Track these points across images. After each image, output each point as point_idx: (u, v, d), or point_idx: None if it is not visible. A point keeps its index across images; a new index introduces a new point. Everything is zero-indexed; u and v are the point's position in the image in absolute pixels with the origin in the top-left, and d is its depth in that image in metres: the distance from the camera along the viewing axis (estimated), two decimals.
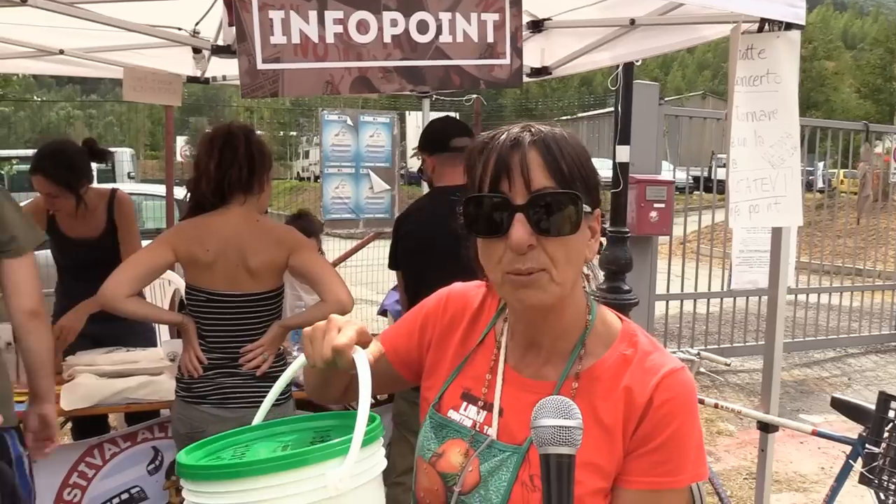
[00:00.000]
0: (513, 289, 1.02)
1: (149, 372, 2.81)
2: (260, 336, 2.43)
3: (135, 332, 3.20)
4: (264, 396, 2.51)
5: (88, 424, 3.05)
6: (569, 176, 1.00)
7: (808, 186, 10.30)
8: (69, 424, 3.29)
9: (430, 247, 2.62)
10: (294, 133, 32.88)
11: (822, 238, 8.60)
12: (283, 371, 2.52)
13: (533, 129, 1.02)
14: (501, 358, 1.15)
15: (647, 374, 1.04)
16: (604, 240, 1.13)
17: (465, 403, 1.15)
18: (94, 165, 3.24)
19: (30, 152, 3.09)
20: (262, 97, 1.98)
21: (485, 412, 1.12)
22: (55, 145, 3.06)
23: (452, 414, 1.15)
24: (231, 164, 2.39)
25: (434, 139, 2.87)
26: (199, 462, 0.88)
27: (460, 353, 1.20)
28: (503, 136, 1.02)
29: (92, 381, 2.66)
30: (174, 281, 4.43)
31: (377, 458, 0.91)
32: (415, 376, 1.27)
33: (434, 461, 1.12)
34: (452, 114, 7.98)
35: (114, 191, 3.27)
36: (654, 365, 1.04)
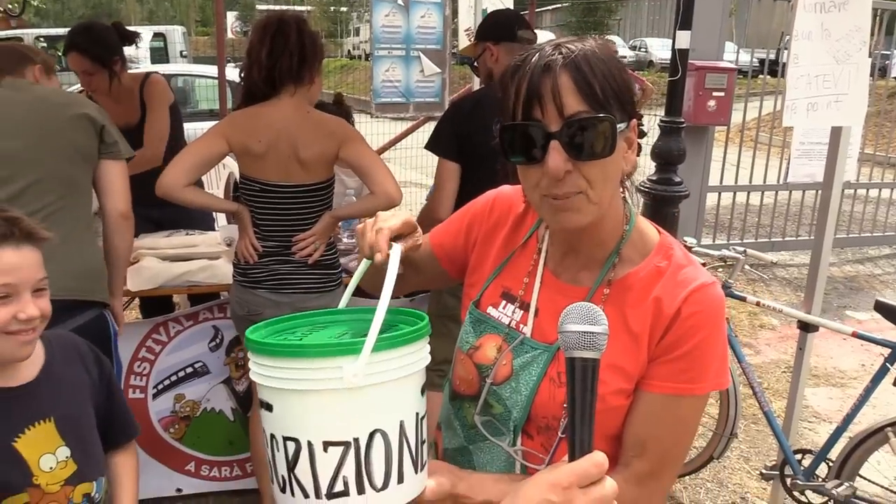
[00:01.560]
0: (551, 212, 1.05)
1: (208, 256, 2.94)
2: (312, 225, 2.52)
3: (193, 218, 3.33)
4: (316, 283, 2.65)
5: (155, 303, 3.26)
6: (602, 97, 0.99)
7: (882, 73, 9.72)
8: (136, 301, 3.50)
9: (485, 146, 2.60)
10: (345, 9, 32.02)
11: (891, 129, 8.21)
12: (333, 258, 2.64)
13: (564, 50, 1.00)
14: (541, 262, 1.19)
15: (678, 286, 1.07)
16: (640, 143, 1.11)
17: (503, 302, 1.21)
18: (146, 46, 3.29)
19: None
20: None
21: (521, 311, 1.17)
22: (85, 23, 3.18)
23: (491, 311, 1.21)
24: (282, 52, 2.41)
25: (502, 26, 2.80)
26: (257, 337, 0.96)
27: (502, 254, 1.25)
28: (534, 59, 1.01)
29: (155, 264, 2.80)
30: (228, 164, 4.53)
31: (411, 358, 0.93)
32: (459, 273, 1.34)
33: (471, 353, 1.20)
34: None
35: (147, 73, 3.33)
36: (685, 278, 1.07)
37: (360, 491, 0.89)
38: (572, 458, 0.82)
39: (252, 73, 2.45)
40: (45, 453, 1.46)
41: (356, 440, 0.88)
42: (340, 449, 0.88)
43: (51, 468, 1.46)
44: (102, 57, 3.08)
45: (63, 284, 1.92)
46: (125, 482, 1.66)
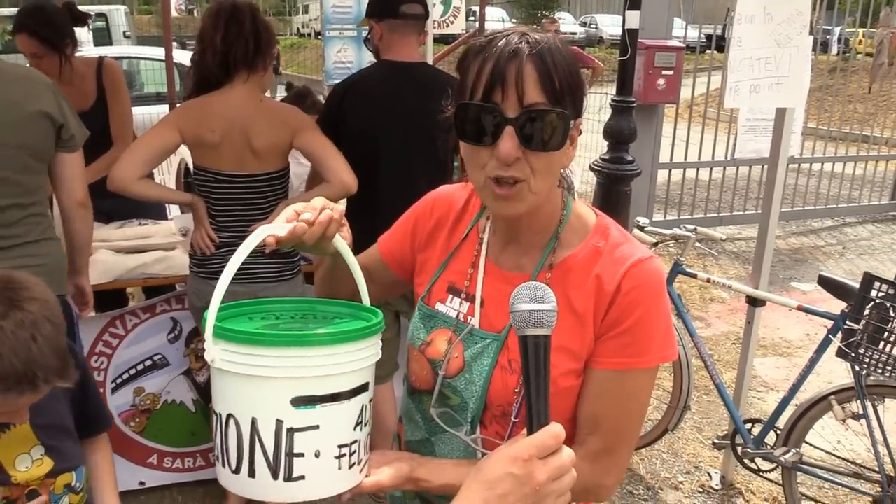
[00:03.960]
0: (493, 198, 1.07)
1: (163, 247, 2.90)
2: (268, 215, 2.51)
3: (145, 207, 3.27)
4: (274, 272, 2.64)
5: (108, 298, 3.20)
6: (560, 91, 1.01)
7: (824, 48, 9.99)
8: None
9: (381, 137, 2.58)
10: None
11: (832, 103, 8.46)
12: (290, 248, 2.62)
13: (531, 40, 1.02)
14: (483, 252, 1.22)
15: (617, 263, 1.10)
16: (577, 134, 1.14)
17: (450, 296, 1.23)
18: (86, 29, 3.19)
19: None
20: None
21: (468, 303, 1.20)
22: (36, 3, 3.05)
23: (439, 306, 1.23)
24: (237, 38, 2.39)
25: (385, 2, 2.69)
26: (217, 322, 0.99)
27: (446, 250, 1.27)
28: (501, 43, 1.02)
29: (109, 257, 2.76)
30: (180, 151, 4.45)
31: (265, 361, 0.92)
32: (410, 277, 1.36)
33: (423, 349, 1.22)
34: None
35: (101, 58, 3.25)
36: (623, 255, 1.11)
37: (223, 464, 0.97)
38: (531, 432, 0.85)
39: (206, 58, 2.43)
40: (20, 454, 1.45)
41: (219, 415, 0.97)
42: (215, 418, 0.98)
43: (27, 467, 1.45)
44: (53, 40, 2.97)
45: None
46: (104, 477, 1.69)
